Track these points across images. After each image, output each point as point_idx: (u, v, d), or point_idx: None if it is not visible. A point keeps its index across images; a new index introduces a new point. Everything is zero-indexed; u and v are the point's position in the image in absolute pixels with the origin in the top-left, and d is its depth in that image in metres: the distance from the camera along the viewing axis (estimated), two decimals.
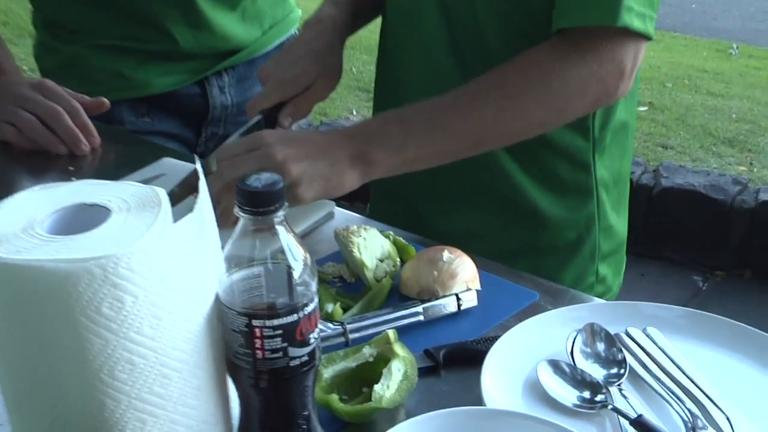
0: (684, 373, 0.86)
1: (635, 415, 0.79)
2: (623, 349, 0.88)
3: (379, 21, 1.27)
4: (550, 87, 0.99)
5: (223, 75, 1.55)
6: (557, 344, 0.86)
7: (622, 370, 0.85)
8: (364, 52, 4.40)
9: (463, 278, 0.97)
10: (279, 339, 0.69)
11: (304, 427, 0.72)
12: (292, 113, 1.17)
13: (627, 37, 0.99)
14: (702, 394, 0.82)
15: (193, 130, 1.58)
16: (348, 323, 0.91)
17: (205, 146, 1.60)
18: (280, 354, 0.69)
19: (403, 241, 1.06)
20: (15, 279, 0.61)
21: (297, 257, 0.69)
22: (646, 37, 1.00)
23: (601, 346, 0.87)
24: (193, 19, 1.47)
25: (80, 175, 1.27)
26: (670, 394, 0.83)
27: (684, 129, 3.76)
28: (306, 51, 1.17)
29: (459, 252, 1.00)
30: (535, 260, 1.19)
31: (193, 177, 1.11)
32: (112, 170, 1.26)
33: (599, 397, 0.82)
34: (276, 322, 0.68)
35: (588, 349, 0.86)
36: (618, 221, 1.22)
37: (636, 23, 0.99)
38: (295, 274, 0.69)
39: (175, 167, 1.26)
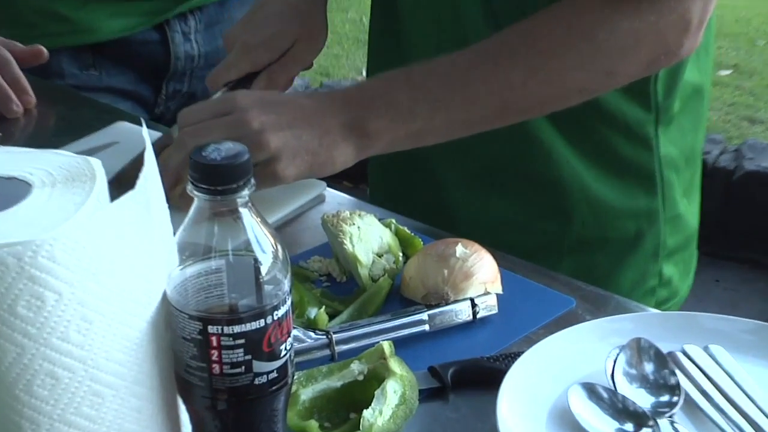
0: (754, 403, 0.85)
1: None
2: (678, 371, 0.87)
3: None
4: (595, 42, 0.99)
5: (188, 18, 1.53)
6: (594, 364, 0.86)
7: (676, 398, 0.85)
8: None
9: (480, 279, 0.97)
10: (241, 350, 0.69)
11: None
12: (265, 87, 1.17)
13: None
14: None
15: (150, 86, 1.56)
16: (334, 332, 0.91)
17: (166, 106, 1.59)
18: (243, 369, 0.70)
19: (408, 231, 1.07)
20: None
21: (266, 249, 0.69)
22: None
23: (649, 367, 0.86)
24: None
25: (11, 142, 1.27)
26: (735, 428, 0.82)
27: None
28: (281, 7, 1.17)
29: (476, 246, 0.99)
30: (582, 259, 1.20)
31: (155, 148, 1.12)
32: (50, 137, 1.27)
33: (646, 431, 0.81)
34: (237, 328, 0.68)
35: (633, 371, 0.86)
36: (688, 209, 1.23)
37: None
38: (263, 270, 0.69)
39: (130, 134, 1.26)
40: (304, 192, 1.15)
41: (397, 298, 0.99)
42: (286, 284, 0.71)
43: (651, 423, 0.82)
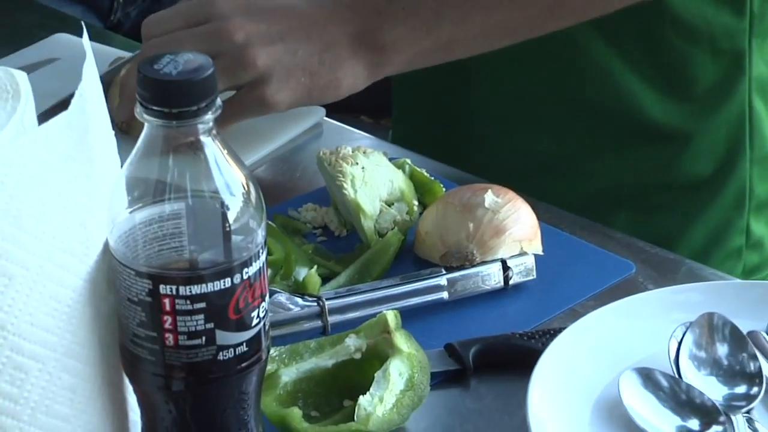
0: None
1: None
2: (760, 355, 0.86)
3: None
4: None
5: None
6: (654, 344, 0.86)
7: (756, 389, 0.84)
8: None
9: (514, 235, 0.96)
10: (201, 316, 0.69)
11: None
12: None
13: None
14: None
15: None
16: (327, 299, 0.91)
17: (124, 12, 1.58)
18: (203, 340, 0.69)
19: (426, 174, 1.06)
20: None
21: (234, 190, 0.69)
22: None
23: (723, 350, 0.86)
24: None
25: None
26: None
27: None
28: None
29: (510, 194, 0.99)
30: (644, 211, 1.21)
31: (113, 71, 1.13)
32: None
33: (715, 429, 0.81)
34: (196, 289, 0.68)
35: (702, 354, 0.85)
36: None
37: None
38: (231, 217, 0.69)
39: (74, 49, 1.26)
40: (296, 121, 1.15)
41: (410, 258, 0.99)
42: (260, 235, 0.71)
43: (722, 419, 0.82)
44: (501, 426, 0.84)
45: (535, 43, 1.08)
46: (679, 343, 0.86)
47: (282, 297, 0.91)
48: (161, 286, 0.69)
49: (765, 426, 0.83)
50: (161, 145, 0.69)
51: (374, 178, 1.01)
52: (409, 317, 0.90)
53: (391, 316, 0.86)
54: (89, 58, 0.70)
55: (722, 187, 1.21)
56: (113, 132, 0.73)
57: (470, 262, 0.95)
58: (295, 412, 0.81)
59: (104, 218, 0.70)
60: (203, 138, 0.69)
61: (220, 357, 0.70)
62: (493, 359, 0.90)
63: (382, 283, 0.94)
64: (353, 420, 0.81)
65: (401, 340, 0.85)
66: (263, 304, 0.72)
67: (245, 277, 0.70)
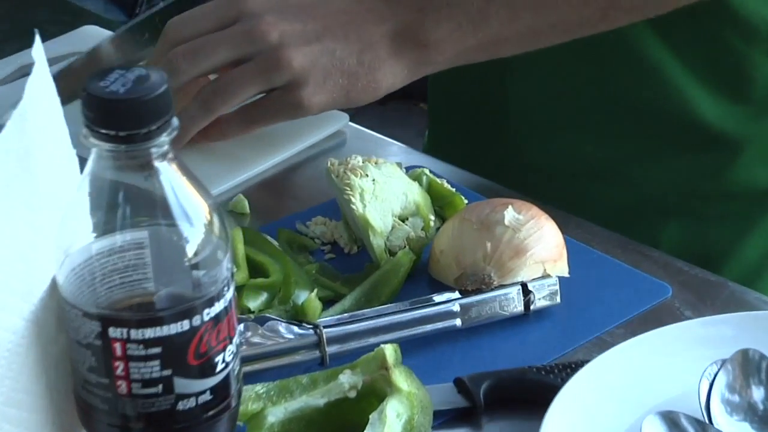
0: None
1: None
2: None
3: None
4: None
5: None
6: (683, 383, 0.81)
7: None
8: None
9: (537, 256, 0.91)
10: (156, 363, 0.65)
11: None
12: None
13: None
14: None
15: None
16: (326, 326, 0.86)
17: (150, 4, 1.53)
18: (160, 388, 0.66)
19: (446, 185, 1.01)
20: None
21: (195, 220, 0.65)
22: None
23: (759, 393, 0.81)
24: None
25: None
26: None
27: None
28: None
29: (533, 210, 0.93)
30: (692, 222, 1.17)
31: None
32: None
33: None
34: (150, 332, 0.64)
35: (736, 397, 0.80)
36: None
37: None
38: (190, 250, 0.65)
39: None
40: (316, 126, 1.11)
41: (425, 279, 0.95)
42: (225, 270, 0.66)
43: None
44: None
45: (581, 39, 1.05)
46: (711, 384, 0.80)
47: (276, 324, 0.85)
48: (111, 329, 0.64)
49: None
50: (111, 171, 0.64)
51: (386, 192, 0.96)
52: (418, 346, 0.88)
53: (390, 351, 0.80)
54: (39, 69, 0.63)
55: None
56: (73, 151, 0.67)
57: (487, 285, 0.90)
58: None
59: (50, 252, 0.65)
60: (158, 163, 0.64)
61: (181, 407, 0.66)
62: (506, 395, 0.84)
63: (389, 308, 0.89)
64: None
65: (400, 378, 0.80)
66: (230, 346, 0.68)
67: (206, 318, 0.65)
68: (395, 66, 1.01)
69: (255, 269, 0.91)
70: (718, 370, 0.80)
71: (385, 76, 1.01)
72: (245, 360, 0.82)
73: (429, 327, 0.89)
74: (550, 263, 0.92)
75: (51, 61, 1.16)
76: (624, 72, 1.14)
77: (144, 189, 0.64)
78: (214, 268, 0.65)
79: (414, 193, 0.97)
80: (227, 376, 0.67)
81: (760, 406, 0.80)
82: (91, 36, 1.26)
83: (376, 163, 0.97)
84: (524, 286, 0.90)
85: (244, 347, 0.82)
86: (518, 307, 0.90)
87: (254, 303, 0.88)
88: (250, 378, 0.81)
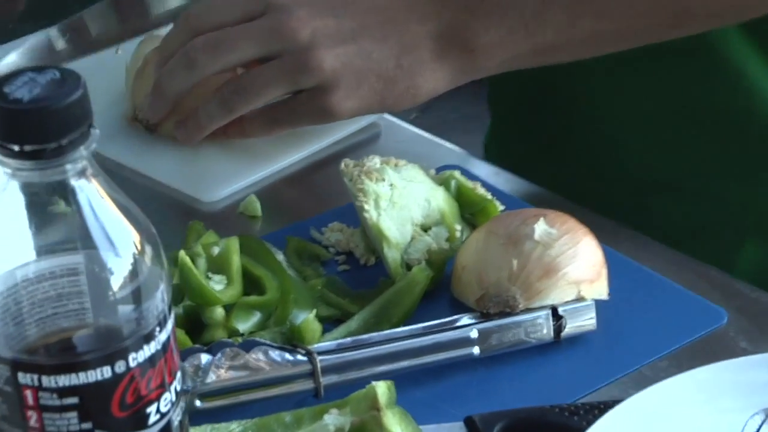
0: None
1: None
2: None
3: None
4: None
5: None
6: (724, 429, 0.74)
7: None
8: None
9: (571, 276, 0.84)
10: (74, 414, 0.58)
11: None
12: None
13: None
14: None
15: None
16: (323, 353, 0.79)
17: None
18: None
19: (480, 190, 0.94)
20: None
21: (120, 246, 0.58)
22: None
23: None
24: None
25: None
26: None
27: None
28: None
29: (570, 223, 0.86)
30: None
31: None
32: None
33: None
34: (64, 379, 0.57)
35: None
36: None
37: None
38: (114, 282, 0.57)
39: None
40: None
41: (446, 298, 0.88)
42: (158, 307, 0.59)
43: None
44: None
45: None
46: None
47: (265, 350, 0.78)
48: (20, 374, 0.57)
49: None
50: (20, 191, 0.56)
51: (405, 197, 0.89)
52: (429, 377, 0.82)
53: (382, 389, 0.74)
54: None
55: None
56: None
57: (512, 308, 0.83)
58: None
59: None
60: (75, 182, 0.57)
61: None
62: None
63: (399, 332, 0.83)
64: None
65: (393, 421, 0.73)
66: (167, 394, 0.60)
67: (133, 363, 0.58)
68: (438, 71, 0.97)
69: (252, 284, 0.84)
70: (763, 422, 0.74)
71: (426, 82, 0.97)
72: (226, 391, 0.76)
73: (442, 356, 0.82)
74: (586, 284, 0.85)
75: None
76: (706, 75, 1.09)
77: (54, 213, 0.56)
78: (144, 305, 0.58)
79: (438, 200, 0.91)
80: (164, 430, 0.60)
81: None
82: None
83: (396, 165, 0.91)
84: (554, 310, 0.84)
85: (221, 376, 0.76)
86: (547, 334, 0.84)
87: (245, 324, 0.81)
88: (230, 413, 0.76)
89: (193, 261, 0.82)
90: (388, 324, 0.84)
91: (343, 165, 0.91)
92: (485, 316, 0.84)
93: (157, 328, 0.58)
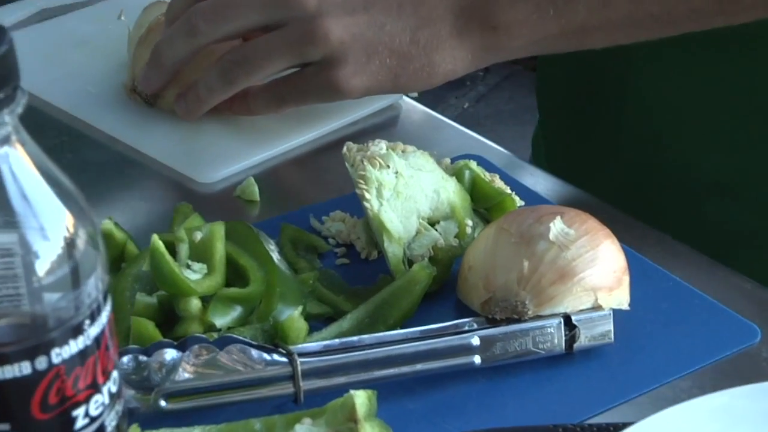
0: None
1: None
2: None
3: None
4: None
5: None
6: None
7: None
8: None
9: (587, 282, 0.80)
10: None
11: None
12: None
13: None
14: None
15: None
16: (304, 354, 0.75)
17: None
18: None
19: (498, 183, 0.90)
20: None
21: (49, 227, 0.53)
22: None
23: None
24: None
25: None
26: None
27: None
28: None
29: (590, 223, 0.82)
30: None
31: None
32: None
33: None
34: None
35: None
36: None
37: None
38: (39, 266, 0.52)
39: None
40: (360, 99, 0.99)
41: (451, 301, 0.85)
42: (91, 297, 0.54)
43: None
44: None
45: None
46: None
47: (242, 348, 0.73)
48: None
49: None
50: None
51: (412, 188, 0.85)
52: (425, 386, 0.78)
53: (361, 399, 0.70)
54: None
55: None
56: None
57: (520, 315, 0.79)
58: None
59: None
60: None
61: None
62: None
63: (394, 335, 0.78)
64: None
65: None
66: (98, 396, 0.56)
67: (57, 360, 0.53)
68: (457, 49, 0.94)
69: (237, 275, 0.79)
70: None
71: (444, 60, 0.94)
72: (194, 391, 0.71)
73: (439, 364, 0.78)
74: (604, 292, 0.81)
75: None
76: (761, 65, 1.06)
77: None
78: (73, 294, 0.53)
79: (449, 192, 0.87)
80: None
81: None
82: None
83: (403, 151, 0.86)
84: (567, 319, 0.81)
85: (190, 375, 0.71)
86: (558, 345, 0.80)
87: (223, 319, 0.76)
88: (199, 415, 0.72)
89: (176, 246, 0.77)
90: (384, 325, 0.81)
91: (345, 149, 0.87)
92: (490, 322, 0.80)
93: (88, 321, 0.53)
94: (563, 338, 0.80)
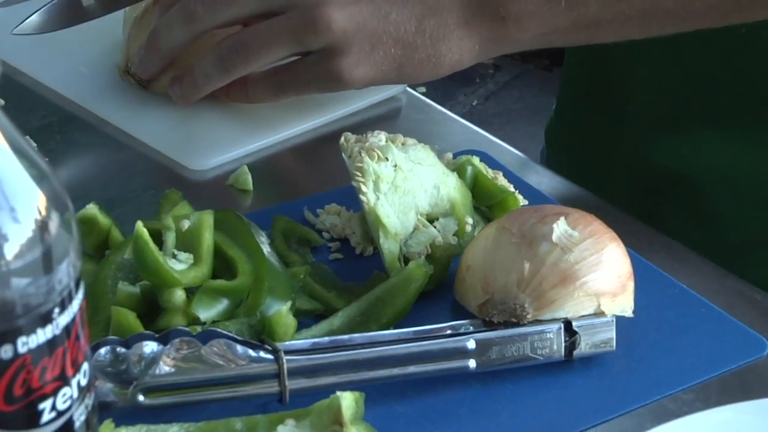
0: None
1: None
2: None
3: None
4: None
5: None
6: None
7: None
8: None
9: (590, 287, 0.79)
10: None
11: None
12: None
13: None
14: None
15: None
16: (290, 352, 0.73)
17: None
18: None
19: (501, 180, 0.89)
20: None
21: (19, 207, 0.50)
22: None
23: None
24: None
25: None
26: None
27: None
28: None
29: (595, 225, 0.80)
30: None
31: None
32: None
33: None
34: None
35: None
36: None
37: None
38: (8, 250, 0.50)
39: None
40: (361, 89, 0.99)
41: (448, 302, 0.83)
42: (62, 282, 0.52)
43: None
44: None
45: None
46: None
47: (226, 344, 0.71)
48: None
49: None
50: None
51: (410, 182, 0.84)
52: (417, 390, 0.76)
53: (348, 402, 0.68)
54: None
55: None
56: None
57: (518, 318, 0.78)
58: None
59: None
60: None
61: None
62: None
63: (386, 335, 0.77)
64: None
65: None
66: (67, 389, 0.54)
67: (23, 349, 0.51)
68: (464, 39, 0.93)
69: (225, 266, 0.77)
70: None
71: (450, 51, 0.94)
72: (175, 387, 0.69)
73: (432, 367, 0.76)
74: (608, 298, 0.79)
75: None
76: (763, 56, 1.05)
77: None
78: (43, 279, 0.51)
79: (449, 187, 0.85)
80: (62, 431, 0.53)
81: None
82: None
83: (403, 144, 0.85)
84: (568, 324, 0.79)
85: (170, 369, 0.69)
86: (557, 351, 0.79)
87: (207, 312, 0.74)
88: (180, 412, 0.70)
89: (162, 235, 0.76)
90: (376, 324, 0.79)
91: (343, 139, 0.85)
92: (487, 325, 0.79)
93: (57, 309, 0.51)
94: (563, 344, 0.78)
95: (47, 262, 0.50)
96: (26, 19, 1.00)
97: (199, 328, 0.72)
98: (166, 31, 0.94)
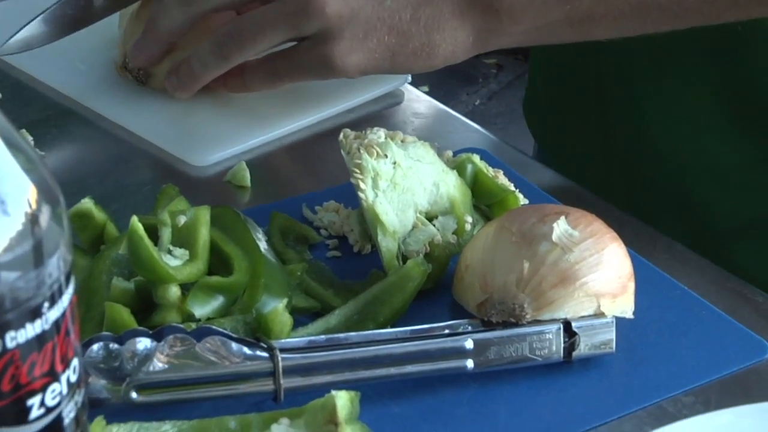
0: None
1: None
2: None
3: None
4: None
5: None
6: None
7: None
8: None
9: (590, 288, 0.79)
10: None
11: None
12: None
13: None
14: None
15: None
16: (286, 350, 0.73)
17: None
18: None
19: (501, 179, 0.88)
20: None
21: (9, 199, 0.50)
22: None
23: None
24: None
25: None
26: None
27: None
28: None
29: (596, 224, 0.80)
30: None
31: None
32: None
33: None
34: None
35: None
36: None
37: None
38: None
39: None
40: (360, 84, 1.01)
41: (447, 301, 0.83)
42: (52, 276, 0.51)
43: None
44: None
45: None
46: None
47: (221, 341, 0.71)
48: None
49: None
50: None
51: (410, 180, 0.83)
52: (413, 390, 0.76)
53: (343, 401, 0.67)
54: None
55: None
56: None
57: (517, 318, 0.77)
58: None
59: None
60: None
61: None
62: None
63: (383, 334, 0.76)
64: None
65: None
66: (56, 385, 0.53)
67: (11, 344, 0.51)
68: (458, 30, 0.93)
69: (221, 263, 0.77)
70: None
71: (445, 41, 0.93)
72: (168, 384, 0.69)
73: (429, 366, 0.76)
74: (608, 298, 0.79)
75: None
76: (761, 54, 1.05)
77: None
78: (32, 273, 0.50)
79: (449, 185, 0.85)
80: (51, 427, 0.52)
81: None
82: None
83: (402, 141, 0.84)
84: (567, 325, 0.79)
85: (164, 366, 0.69)
86: (556, 352, 0.78)
87: (202, 309, 0.74)
88: (173, 410, 0.70)
89: (158, 230, 0.75)
90: (373, 323, 0.79)
91: (341, 136, 0.85)
92: (486, 325, 0.78)
93: (47, 303, 0.51)
94: (562, 345, 0.78)
95: (37, 256, 0.50)
96: (14, 34, 0.99)
97: (193, 325, 0.71)
98: (163, 14, 0.94)
